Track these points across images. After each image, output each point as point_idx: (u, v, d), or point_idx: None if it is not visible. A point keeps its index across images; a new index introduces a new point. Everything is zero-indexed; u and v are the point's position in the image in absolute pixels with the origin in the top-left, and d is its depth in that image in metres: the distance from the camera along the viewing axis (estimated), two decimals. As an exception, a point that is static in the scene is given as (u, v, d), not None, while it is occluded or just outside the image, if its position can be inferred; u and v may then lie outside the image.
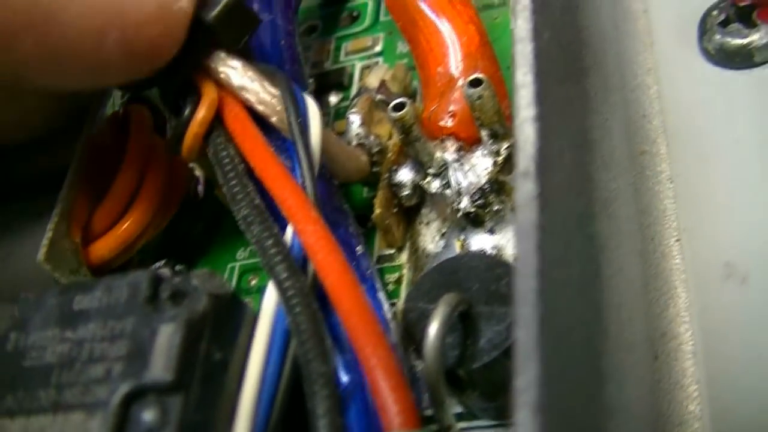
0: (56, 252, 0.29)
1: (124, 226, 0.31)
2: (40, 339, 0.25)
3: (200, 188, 0.35)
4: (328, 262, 0.23)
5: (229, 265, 0.33)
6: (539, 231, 0.19)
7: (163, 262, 0.31)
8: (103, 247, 0.31)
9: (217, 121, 0.27)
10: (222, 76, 0.27)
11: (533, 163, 0.20)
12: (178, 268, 0.27)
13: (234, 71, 0.27)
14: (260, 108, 0.27)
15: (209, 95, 0.27)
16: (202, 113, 0.27)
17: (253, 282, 0.33)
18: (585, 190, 0.24)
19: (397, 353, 0.22)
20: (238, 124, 0.26)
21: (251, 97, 0.27)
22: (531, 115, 0.21)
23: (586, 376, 0.20)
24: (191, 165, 0.34)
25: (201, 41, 0.27)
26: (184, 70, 0.27)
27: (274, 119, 0.26)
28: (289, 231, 0.25)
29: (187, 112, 0.27)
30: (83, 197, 0.30)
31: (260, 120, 0.27)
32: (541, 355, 0.18)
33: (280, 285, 0.23)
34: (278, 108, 0.26)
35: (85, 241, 0.31)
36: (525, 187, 0.20)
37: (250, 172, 0.26)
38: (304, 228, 0.23)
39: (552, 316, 0.19)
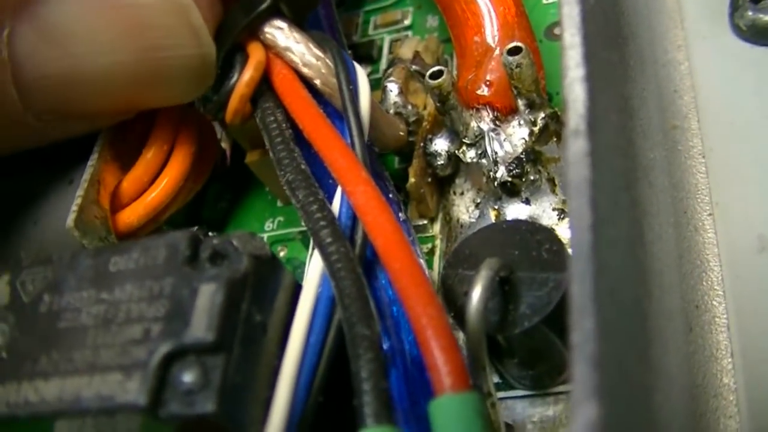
0: (85, 219, 0.29)
1: (153, 195, 0.31)
2: (74, 300, 0.24)
3: (227, 160, 0.35)
4: (380, 222, 0.22)
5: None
6: (592, 186, 0.19)
7: (196, 228, 0.31)
8: (131, 215, 0.30)
9: (264, 85, 0.27)
10: (268, 36, 0.27)
11: (584, 122, 0.20)
12: (211, 234, 0.27)
13: (280, 32, 0.27)
14: (305, 70, 0.26)
15: (256, 56, 0.27)
16: (248, 74, 0.26)
17: (282, 253, 0.33)
18: (629, 154, 0.23)
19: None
20: (287, 84, 0.26)
21: (296, 59, 0.26)
22: (580, 75, 0.21)
23: (635, 335, 0.20)
24: (219, 137, 0.34)
25: (264, 13, 0.26)
26: (237, 37, 0.27)
27: (318, 82, 0.26)
28: (337, 198, 0.24)
29: (234, 74, 0.26)
30: (112, 165, 0.30)
31: (305, 84, 0.27)
32: (597, 308, 0.18)
33: (323, 250, 0.23)
34: (323, 70, 0.26)
35: (113, 209, 0.30)
36: (576, 145, 0.20)
37: (296, 138, 0.26)
38: (354, 189, 0.23)
39: (604, 271, 0.18)
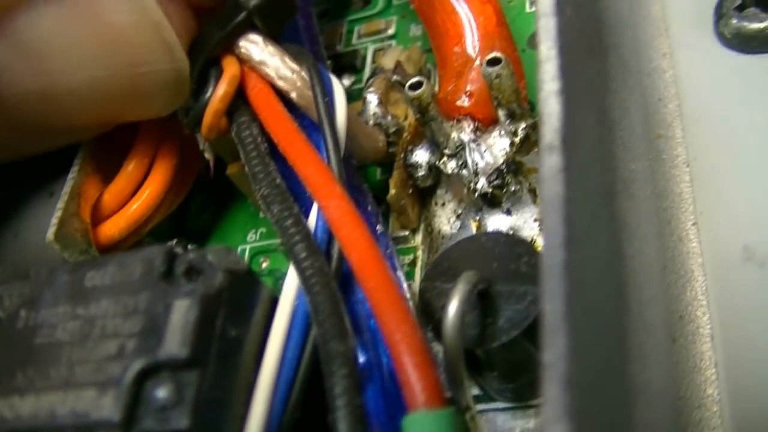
0: (66, 231, 0.29)
1: (134, 207, 0.31)
2: (51, 316, 0.24)
3: (210, 172, 0.35)
4: (354, 238, 0.22)
5: (240, 248, 0.33)
6: (566, 203, 0.19)
7: (174, 241, 0.30)
8: (112, 227, 0.30)
9: (240, 99, 0.27)
10: (242, 50, 0.27)
11: (558, 137, 0.20)
12: (190, 247, 0.27)
13: (254, 46, 0.27)
14: (280, 84, 0.26)
15: (231, 71, 0.27)
16: (222, 89, 0.26)
17: (265, 264, 0.32)
18: (608, 167, 0.23)
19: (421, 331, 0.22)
20: (262, 98, 0.26)
21: (271, 72, 0.26)
22: (555, 89, 0.21)
23: (611, 352, 0.20)
24: (201, 148, 0.34)
25: (238, 26, 0.26)
26: (211, 51, 0.27)
27: (293, 95, 0.26)
28: (314, 213, 0.24)
29: (209, 89, 0.26)
30: (93, 177, 0.30)
31: (281, 97, 0.26)
32: (569, 328, 0.17)
33: (299, 265, 0.23)
34: (299, 84, 0.26)
35: (94, 222, 0.30)
36: (550, 161, 0.20)
37: (272, 153, 0.25)
38: (328, 203, 0.23)
39: (579, 289, 0.18)
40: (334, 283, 0.22)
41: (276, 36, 0.27)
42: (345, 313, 0.22)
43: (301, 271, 0.23)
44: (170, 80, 0.26)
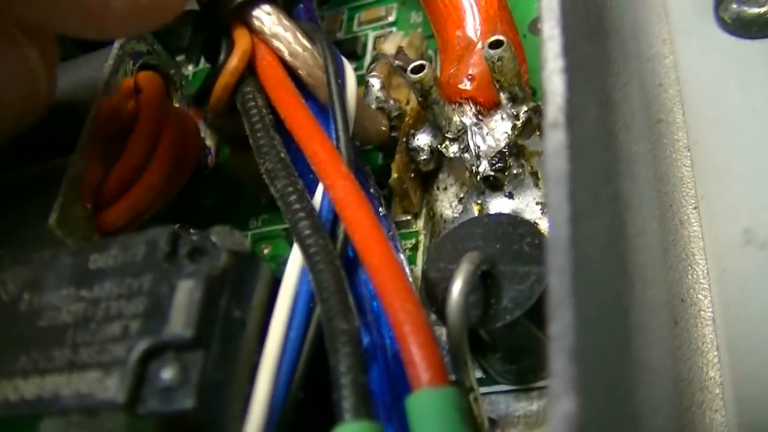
0: (68, 217, 0.29)
1: (136, 193, 0.31)
2: (54, 299, 0.24)
3: (211, 158, 0.35)
4: (358, 217, 0.22)
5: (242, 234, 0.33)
6: (570, 179, 0.19)
7: (177, 225, 0.30)
8: (114, 214, 0.30)
9: (248, 71, 0.27)
10: (255, 21, 0.26)
11: (563, 114, 0.20)
12: (192, 232, 0.27)
13: (268, 17, 0.26)
14: (290, 59, 0.26)
15: (242, 45, 0.26)
16: (233, 63, 0.26)
17: (266, 251, 0.32)
18: (610, 147, 0.23)
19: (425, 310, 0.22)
20: (271, 71, 0.26)
21: (282, 47, 0.26)
22: (558, 67, 0.21)
23: (616, 328, 0.20)
24: (202, 134, 0.34)
25: None
26: (224, 19, 0.26)
27: (302, 72, 0.26)
28: (319, 191, 0.24)
29: (220, 60, 0.26)
30: (95, 163, 0.30)
31: (289, 73, 0.26)
32: (574, 301, 0.17)
33: (302, 242, 0.23)
34: (309, 62, 0.26)
35: (96, 208, 0.30)
36: (555, 137, 0.20)
37: (277, 125, 0.25)
38: (334, 183, 0.23)
39: (583, 264, 0.18)
40: (338, 261, 0.22)
41: (289, 10, 0.27)
42: (349, 291, 0.22)
43: (304, 248, 0.23)
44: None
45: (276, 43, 0.26)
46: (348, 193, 0.23)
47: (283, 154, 0.25)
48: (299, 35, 0.27)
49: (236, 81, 0.27)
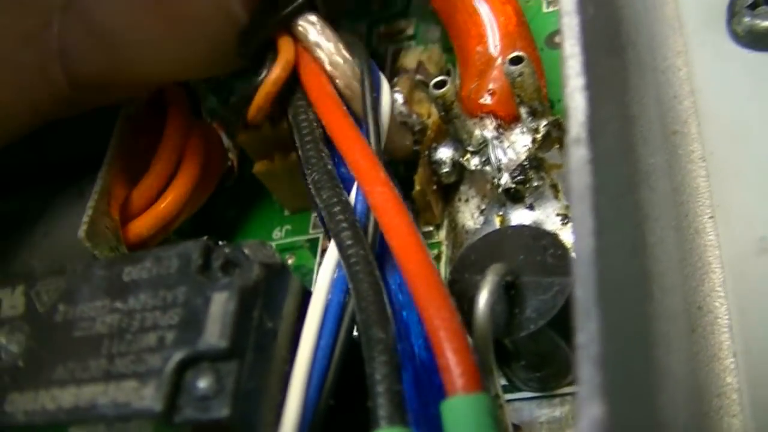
0: (96, 229, 0.30)
1: (162, 205, 0.31)
2: (89, 310, 0.25)
3: (234, 170, 0.35)
4: (396, 224, 0.23)
5: (266, 245, 0.34)
6: (594, 193, 0.20)
7: (206, 237, 0.31)
8: (141, 226, 0.31)
9: (294, 83, 0.27)
10: (300, 29, 0.27)
11: (585, 130, 0.21)
12: (221, 243, 0.27)
13: (312, 27, 0.27)
14: (329, 68, 0.27)
15: (286, 55, 0.27)
16: (276, 73, 0.27)
17: (290, 261, 0.33)
18: (630, 160, 0.24)
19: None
20: (314, 79, 0.26)
21: (323, 56, 0.27)
22: (580, 84, 0.21)
23: (638, 335, 0.21)
24: (226, 147, 0.35)
25: (300, 7, 0.27)
26: (270, 30, 0.27)
27: (340, 83, 0.27)
28: (351, 198, 0.25)
29: (263, 71, 0.27)
30: (122, 176, 0.31)
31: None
32: (599, 311, 0.18)
33: (343, 252, 0.23)
34: (348, 73, 0.27)
35: (123, 220, 0.31)
36: (578, 153, 0.20)
37: (324, 138, 0.26)
38: (372, 189, 0.23)
39: (607, 275, 0.19)
40: (378, 272, 0.23)
41: (332, 21, 0.28)
42: (387, 301, 0.23)
43: (346, 258, 0.23)
44: (230, 43, 0.27)
45: (318, 52, 0.27)
46: (386, 200, 0.23)
47: (330, 167, 0.25)
48: (341, 47, 0.27)
49: (278, 90, 0.27)
